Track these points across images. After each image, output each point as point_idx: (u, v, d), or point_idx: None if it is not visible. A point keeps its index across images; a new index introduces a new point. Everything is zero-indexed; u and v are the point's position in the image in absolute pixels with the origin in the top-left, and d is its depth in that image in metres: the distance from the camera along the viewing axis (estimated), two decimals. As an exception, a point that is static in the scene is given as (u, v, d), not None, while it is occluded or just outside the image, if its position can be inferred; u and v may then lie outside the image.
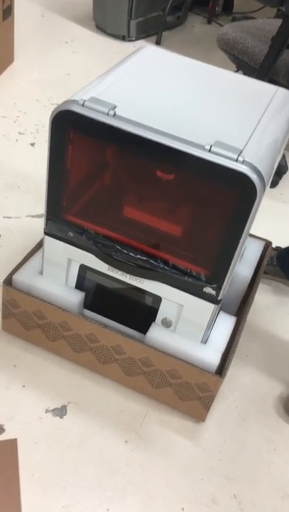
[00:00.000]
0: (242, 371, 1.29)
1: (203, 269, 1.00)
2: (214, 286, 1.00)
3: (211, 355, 1.09)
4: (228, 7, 3.30)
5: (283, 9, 1.58)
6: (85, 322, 1.12)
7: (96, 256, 1.07)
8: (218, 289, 1.00)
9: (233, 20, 3.14)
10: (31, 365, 1.21)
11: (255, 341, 1.38)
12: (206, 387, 1.08)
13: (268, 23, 1.89)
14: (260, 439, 1.17)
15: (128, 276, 1.07)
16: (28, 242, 1.44)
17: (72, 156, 0.98)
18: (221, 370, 1.08)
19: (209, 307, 1.03)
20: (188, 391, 1.11)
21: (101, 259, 1.07)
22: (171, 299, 1.06)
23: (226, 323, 1.17)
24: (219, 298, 1.01)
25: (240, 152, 0.85)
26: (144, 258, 1.02)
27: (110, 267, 1.07)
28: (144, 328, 1.13)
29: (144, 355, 1.10)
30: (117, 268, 1.06)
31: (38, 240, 1.25)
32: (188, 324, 1.08)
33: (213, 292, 1.00)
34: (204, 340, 1.11)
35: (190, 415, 1.16)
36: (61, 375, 1.20)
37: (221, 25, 3.07)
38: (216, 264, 0.98)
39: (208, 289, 1.00)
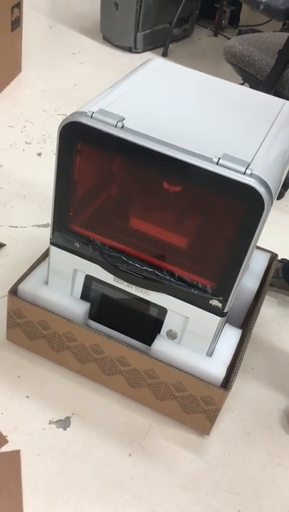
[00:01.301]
0: (247, 384, 1.29)
1: (210, 281, 1.00)
2: (220, 298, 0.99)
3: (216, 368, 1.08)
4: (234, 20, 3.33)
5: (290, 23, 1.59)
6: (90, 333, 1.11)
7: (102, 267, 1.06)
8: (224, 302, 0.99)
9: (240, 33, 3.16)
10: (35, 375, 1.20)
11: (261, 354, 1.37)
12: (211, 401, 1.07)
13: (275, 37, 1.90)
14: (265, 453, 1.16)
15: (134, 287, 1.06)
16: (33, 252, 1.45)
17: (80, 167, 0.98)
18: (227, 383, 1.07)
19: (215, 320, 1.03)
20: (193, 404, 1.10)
21: (107, 270, 1.06)
22: (177, 311, 1.06)
23: (231, 336, 1.16)
24: (225, 310, 1.01)
25: (248, 165, 0.85)
26: (150, 269, 1.02)
27: (116, 278, 1.07)
28: (149, 340, 1.13)
29: (148, 367, 1.09)
30: (123, 279, 1.06)
31: (43, 250, 1.25)
32: (193, 336, 1.08)
33: (220, 305, 1.00)
34: (210, 353, 1.10)
35: (194, 428, 1.15)
36: (65, 386, 1.19)
37: (228, 38, 3.09)
38: (223, 276, 0.97)
39: (214, 302, 1.00)
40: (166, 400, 1.13)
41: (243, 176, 0.83)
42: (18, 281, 1.18)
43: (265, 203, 0.84)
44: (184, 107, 1.01)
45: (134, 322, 1.16)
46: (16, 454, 1.05)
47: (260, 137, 0.95)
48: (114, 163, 1.02)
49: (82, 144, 0.95)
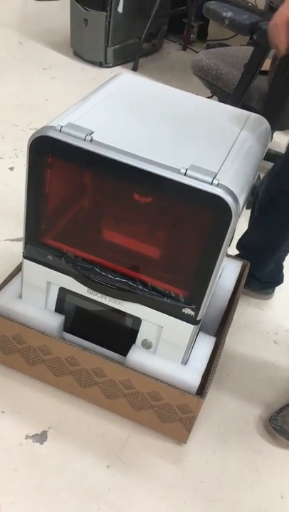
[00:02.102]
0: (223, 391, 1.30)
1: (182, 290, 1.01)
2: (193, 307, 1.01)
3: (191, 376, 1.09)
4: (202, 34, 3.40)
5: (255, 37, 1.63)
6: (65, 345, 1.12)
7: (75, 279, 1.07)
8: (196, 310, 1.01)
9: (208, 47, 3.23)
10: (11, 390, 1.19)
11: (236, 361, 1.39)
12: (187, 409, 1.08)
13: (241, 50, 1.95)
14: (242, 459, 1.17)
15: (107, 298, 1.07)
16: (7, 266, 1.44)
17: (51, 180, 0.99)
18: (202, 390, 1.09)
19: (188, 328, 1.04)
20: (170, 413, 1.11)
21: (80, 282, 1.07)
22: (151, 321, 1.07)
23: (205, 344, 1.18)
24: (198, 318, 1.02)
25: (215, 175, 0.87)
26: (123, 280, 1.03)
27: (90, 290, 1.08)
28: (124, 351, 1.13)
29: (124, 378, 1.10)
30: (97, 290, 1.07)
31: (17, 264, 1.25)
32: (168, 345, 1.09)
33: (192, 313, 1.01)
34: (184, 361, 1.11)
35: (172, 437, 1.16)
36: (41, 400, 1.19)
37: (196, 52, 3.15)
38: (194, 285, 0.99)
39: (187, 310, 1.01)
40: (142, 410, 1.13)
41: (210, 186, 0.86)
42: (-9, 295, 1.17)
43: (233, 212, 0.86)
44: (151, 120, 1.03)
45: (109, 333, 1.16)
46: (-8, 471, 1.04)
47: (226, 148, 0.98)
48: (84, 176, 1.03)
49: (51, 158, 0.96)
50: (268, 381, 1.35)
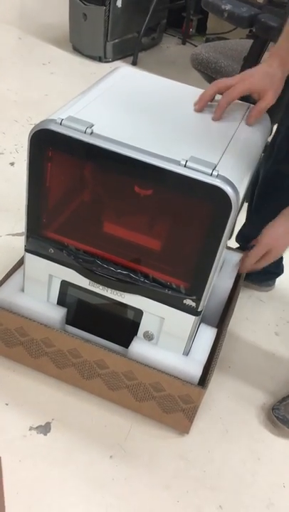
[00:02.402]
0: (225, 382, 1.31)
1: (183, 281, 1.02)
2: (194, 298, 1.01)
3: (192, 366, 1.10)
4: (201, 28, 3.39)
5: (254, 30, 1.63)
6: (68, 337, 1.12)
7: (77, 271, 1.08)
8: (197, 301, 1.02)
9: (207, 40, 3.23)
10: (14, 382, 1.20)
11: (237, 352, 1.40)
12: (189, 399, 1.09)
13: (240, 44, 1.95)
14: (244, 449, 1.18)
15: (109, 290, 1.08)
16: (9, 261, 1.44)
17: (51, 173, 0.99)
18: (204, 381, 1.09)
19: (190, 319, 1.05)
20: (172, 403, 1.12)
21: (82, 275, 1.08)
22: (152, 312, 1.08)
23: (207, 335, 1.19)
24: (199, 309, 1.03)
25: (215, 166, 0.87)
26: (125, 272, 1.04)
27: (91, 282, 1.08)
28: (126, 342, 1.14)
29: (127, 369, 1.11)
30: (98, 283, 1.08)
31: (19, 259, 1.26)
32: (169, 337, 1.10)
33: (193, 304, 1.02)
34: (186, 352, 1.12)
35: (174, 427, 1.17)
36: (44, 392, 1.20)
37: (195, 46, 3.15)
38: (195, 276, 1.00)
39: (188, 301, 1.02)
40: (145, 401, 1.14)
41: (210, 177, 0.86)
42: (-7, 289, 1.18)
43: (233, 203, 0.87)
44: (151, 112, 1.04)
45: (111, 325, 1.17)
46: (-4, 462, 1.05)
47: (226, 140, 0.98)
48: (85, 169, 1.04)
49: (52, 151, 0.96)
50: (269, 372, 1.36)
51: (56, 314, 1.15)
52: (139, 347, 1.12)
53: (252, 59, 1.67)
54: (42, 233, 1.06)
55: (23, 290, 1.18)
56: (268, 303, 1.58)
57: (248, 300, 1.56)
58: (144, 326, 1.12)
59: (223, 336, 1.20)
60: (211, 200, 0.88)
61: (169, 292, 1.02)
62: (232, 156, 0.94)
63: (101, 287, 1.08)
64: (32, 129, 0.93)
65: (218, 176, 0.86)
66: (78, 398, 1.20)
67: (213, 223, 0.92)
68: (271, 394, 1.30)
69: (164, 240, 1.06)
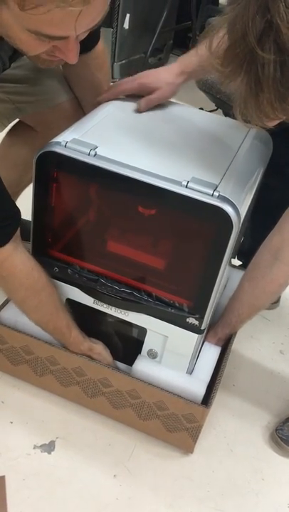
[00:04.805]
0: (229, 401, 1.31)
1: (186, 300, 1.03)
2: (197, 316, 1.02)
3: (196, 385, 1.10)
4: (207, 49, 3.43)
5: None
6: (72, 356, 1.13)
7: (81, 290, 1.09)
8: (200, 319, 1.02)
9: (213, 60, 3.27)
10: (19, 401, 1.21)
11: (241, 371, 1.40)
12: (192, 418, 1.09)
13: (244, 64, 1.97)
14: (248, 469, 1.17)
15: (113, 308, 1.09)
16: (15, 279, 1.46)
17: (56, 194, 1.01)
18: (207, 400, 1.09)
19: (193, 337, 1.05)
20: (176, 422, 1.12)
21: (86, 293, 1.09)
22: (156, 330, 1.09)
23: (211, 353, 1.19)
24: (202, 328, 1.04)
25: (216, 187, 0.89)
26: (129, 291, 1.05)
27: (95, 300, 1.10)
28: (130, 360, 1.15)
29: (131, 388, 1.11)
30: (102, 301, 1.09)
31: (24, 276, 1.27)
32: (173, 355, 1.10)
33: (196, 322, 1.03)
34: (190, 371, 1.12)
35: (178, 447, 1.17)
36: (49, 410, 1.20)
37: (201, 66, 3.19)
38: (198, 295, 1.01)
39: (191, 320, 1.03)
40: (149, 420, 1.14)
41: (211, 198, 0.88)
42: (-1, 307, 1.20)
43: (234, 223, 0.88)
44: (155, 134, 1.06)
45: (115, 343, 1.18)
46: (0, 480, 1.06)
47: (227, 161, 1.00)
48: (89, 189, 1.06)
49: (57, 172, 0.98)
50: (274, 391, 1.36)
51: (61, 332, 1.16)
52: (143, 365, 1.13)
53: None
54: (47, 252, 1.08)
55: (28, 308, 1.19)
56: (273, 321, 1.58)
57: (253, 318, 1.56)
58: (148, 344, 1.13)
59: (227, 355, 1.20)
60: (212, 220, 0.90)
61: (172, 311, 1.03)
62: (233, 177, 0.96)
63: (105, 305, 1.09)
64: (38, 151, 0.95)
65: (218, 197, 0.88)
66: (82, 416, 1.20)
67: (215, 242, 0.93)
68: (275, 413, 1.30)
69: (167, 259, 1.07)
